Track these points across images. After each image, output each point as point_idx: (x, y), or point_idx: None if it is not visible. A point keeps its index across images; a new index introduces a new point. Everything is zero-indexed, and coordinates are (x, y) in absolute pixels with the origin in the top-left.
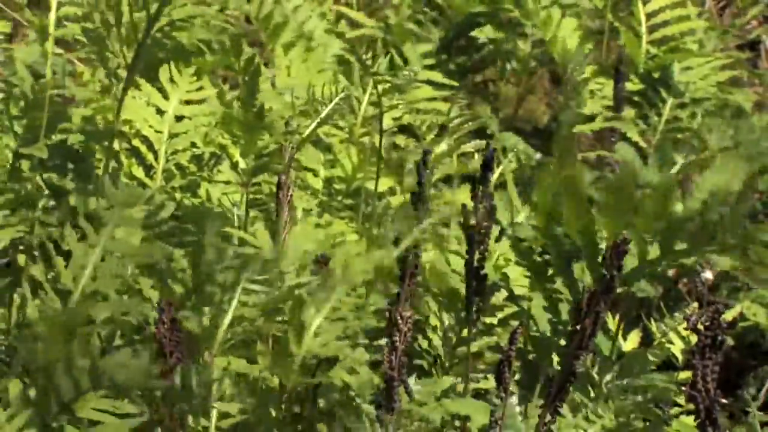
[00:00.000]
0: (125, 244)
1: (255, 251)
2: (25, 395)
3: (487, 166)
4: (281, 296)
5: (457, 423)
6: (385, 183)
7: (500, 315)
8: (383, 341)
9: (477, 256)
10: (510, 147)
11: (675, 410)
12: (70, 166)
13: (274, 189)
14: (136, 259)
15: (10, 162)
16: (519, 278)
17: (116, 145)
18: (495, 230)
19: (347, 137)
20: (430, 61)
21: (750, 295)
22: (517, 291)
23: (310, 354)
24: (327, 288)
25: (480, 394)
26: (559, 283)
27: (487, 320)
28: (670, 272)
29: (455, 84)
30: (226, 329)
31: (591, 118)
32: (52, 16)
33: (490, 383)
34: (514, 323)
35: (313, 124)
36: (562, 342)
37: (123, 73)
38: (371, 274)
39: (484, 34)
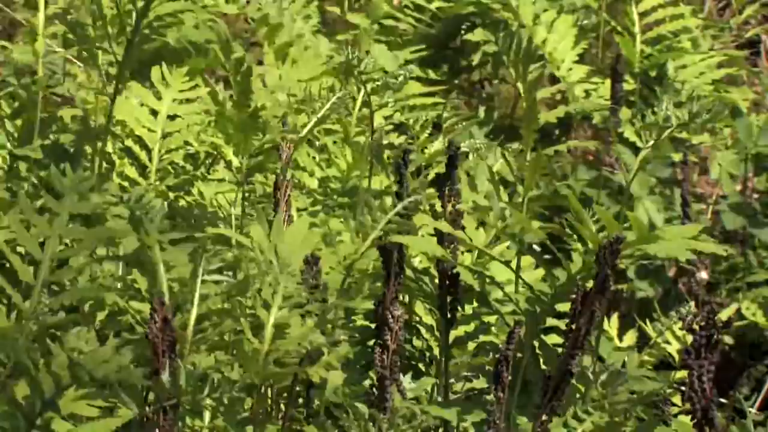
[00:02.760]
0: (78, 230)
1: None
2: (10, 395)
3: (452, 163)
4: (237, 286)
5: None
6: (381, 181)
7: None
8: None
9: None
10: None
11: (673, 410)
12: (62, 166)
13: (269, 189)
14: (89, 243)
15: (8, 163)
16: (500, 274)
17: (109, 146)
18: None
19: (342, 137)
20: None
21: (749, 294)
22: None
23: (275, 349)
24: (273, 276)
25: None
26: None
27: (485, 319)
28: (670, 272)
29: (442, 79)
30: (194, 326)
31: (588, 118)
32: (41, 15)
33: (481, 383)
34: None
35: (311, 123)
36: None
37: (113, 71)
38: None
39: (474, 37)
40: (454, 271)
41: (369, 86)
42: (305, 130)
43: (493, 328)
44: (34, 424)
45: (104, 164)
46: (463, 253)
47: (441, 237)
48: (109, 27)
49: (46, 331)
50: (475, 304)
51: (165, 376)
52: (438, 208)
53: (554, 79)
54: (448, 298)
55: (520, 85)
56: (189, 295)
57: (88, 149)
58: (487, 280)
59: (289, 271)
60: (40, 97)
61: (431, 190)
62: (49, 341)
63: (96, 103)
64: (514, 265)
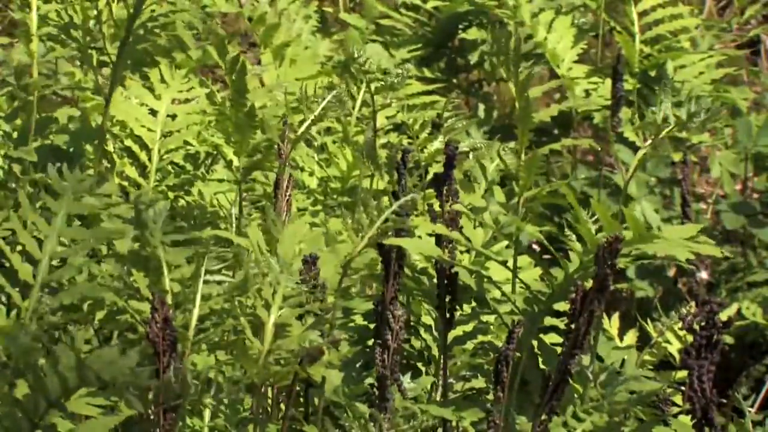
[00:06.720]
0: (77, 230)
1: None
2: (11, 395)
3: (449, 164)
4: (238, 286)
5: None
6: (380, 181)
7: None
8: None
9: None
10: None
11: (673, 410)
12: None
13: (269, 189)
14: (89, 244)
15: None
16: (497, 274)
17: (110, 145)
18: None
19: (342, 136)
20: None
21: (749, 294)
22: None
23: (276, 348)
24: (273, 276)
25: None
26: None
27: (483, 319)
28: (670, 272)
29: (443, 78)
30: (196, 326)
31: (588, 118)
32: (34, 16)
33: (480, 383)
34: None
35: (308, 122)
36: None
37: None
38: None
39: (470, 35)
40: (452, 270)
41: (373, 86)
42: (301, 129)
43: (491, 328)
44: (36, 424)
45: (105, 164)
46: (461, 252)
47: (439, 237)
48: (104, 28)
49: (47, 330)
50: (474, 304)
51: (168, 376)
52: (436, 207)
53: (553, 77)
54: (447, 298)
55: (511, 84)
56: (191, 294)
57: (89, 149)
58: (485, 279)
59: (289, 271)
60: (35, 97)
61: (430, 190)
62: (53, 341)
63: (88, 102)
64: (511, 264)
